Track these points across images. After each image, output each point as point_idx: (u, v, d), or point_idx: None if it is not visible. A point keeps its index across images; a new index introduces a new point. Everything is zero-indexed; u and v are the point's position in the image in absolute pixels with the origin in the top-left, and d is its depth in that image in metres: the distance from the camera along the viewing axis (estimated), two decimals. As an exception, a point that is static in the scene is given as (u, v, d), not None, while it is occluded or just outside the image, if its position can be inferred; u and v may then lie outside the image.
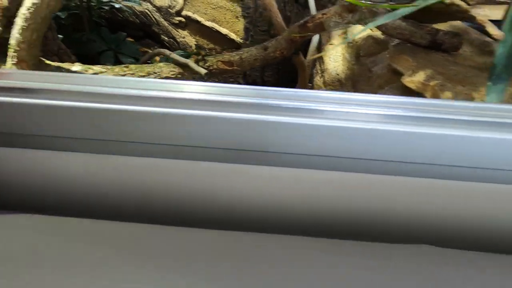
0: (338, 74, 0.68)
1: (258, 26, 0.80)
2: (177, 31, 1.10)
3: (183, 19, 1.10)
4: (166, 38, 1.09)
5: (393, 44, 0.49)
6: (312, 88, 0.74)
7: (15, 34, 0.41)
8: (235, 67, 0.51)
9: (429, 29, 0.44)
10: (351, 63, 0.64)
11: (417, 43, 0.44)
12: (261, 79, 0.86)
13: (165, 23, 1.07)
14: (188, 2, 1.09)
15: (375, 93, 0.49)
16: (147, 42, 1.11)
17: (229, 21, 1.12)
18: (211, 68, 0.50)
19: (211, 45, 1.17)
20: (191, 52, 0.85)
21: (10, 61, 0.44)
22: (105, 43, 0.77)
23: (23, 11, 0.39)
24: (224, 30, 1.12)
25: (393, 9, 0.38)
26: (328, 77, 0.70)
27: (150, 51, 1.00)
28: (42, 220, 0.17)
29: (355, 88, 0.59)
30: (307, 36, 0.51)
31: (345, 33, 0.76)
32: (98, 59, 0.76)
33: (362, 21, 0.49)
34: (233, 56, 0.51)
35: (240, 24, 1.13)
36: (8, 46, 0.43)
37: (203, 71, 0.48)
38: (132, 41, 0.98)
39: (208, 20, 1.11)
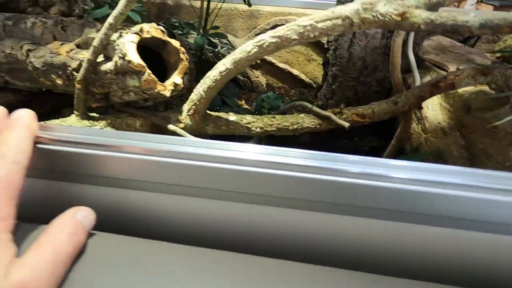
0: (439, 123, 0.72)
1: (348, 74, 0.86)
2: (252, 71, 1.18)
3: (259, 61, 1.19)
4: (241, 77, 1.17)
5: (519, 103, 0.53)
6: (411, 134, 0.78)
7: (200, 91, 0.47)
8: (367, 119, 0.56)
9: None
10: (455, 114, 0.68)
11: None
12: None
13: (243, 64, 1.16)
14: (266, 46, 1.18)
15: (505, 149, 0.53)
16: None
17: (301, 63, 1.20)
18: (346, 119, 0.55)
19: (280, 84, 1.25)
20: (304, 99, 0.91)
21: (185, 113, 0.50)
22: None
23: (214, 74, 0.45)
24: (295, 71, 1.20)
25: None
26: (428, 125, 0.74)
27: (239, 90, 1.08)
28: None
29: (469, 140, 0.62)
30: (436, 94, 0.56)
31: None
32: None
33: (493, 83, 0.54)
34: (366, 109, 0.56)
35: (311, 66, 1.20)
36: (189, 100, 0.50)
37: (346, 124, 0.53)
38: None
39: (281, 62, 1.20)
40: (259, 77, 1.20)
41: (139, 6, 0.78)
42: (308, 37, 0.40)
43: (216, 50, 0.93)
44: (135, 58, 0.41)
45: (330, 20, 0.38)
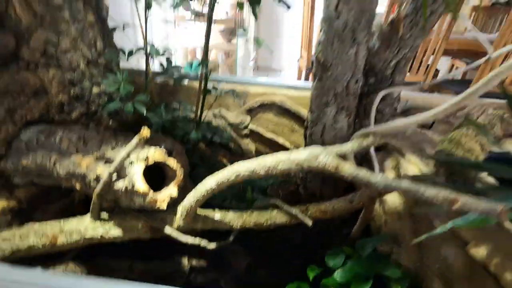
0: (396, 207, 0.84)
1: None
2: (242, 140, 1.33)
3: (248, 132, 1.34)
4: (232, 145, 1.32)
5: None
6: (374, 215, 0.90)
7: (191, 201, 0.59)
8: (328, 215, 0.68)
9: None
10: (407, 201, 0.81)
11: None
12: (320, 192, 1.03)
13: (234, 134, 1.31)
14: (254, 119, 1.34)
15: (440, 246, 0.64)
16: (216, 148, 1.33)
17: (286, 133, 1.36)
18: (311, 216, 0.67)
19: (268, 150, 1.39)
20: (275, 181, 1.03)
21: (179, 216, 0.63)
22: (206, 168, 0.98)
23: (202, 190, 0.58)
24: (281, 140, 1.35)
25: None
26: (387, 208, 0.87)
27: (224, 159, 1.22)
28: None
29: (414, 225, 0.74)
30: (384, 195, 0.69)
31: (396, 167, 0.95)
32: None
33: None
34: (328, 206, 0.68)
35: (294, 136, 1.35)
36: (182, 207, 0.62)
37: (309, 222, 0.65)
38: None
39: (268, 132, 1.35)
40: (249, 144, 1.35)
41: (144, 96, 0.94)
42: (271, 173, 0.53)
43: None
44: (142, 187, 0.54)
45: (287, 163, 0.52)
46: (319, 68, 0.86)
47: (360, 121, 1.03)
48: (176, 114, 0.99)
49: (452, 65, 2.31)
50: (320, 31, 0.82)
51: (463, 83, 2.16)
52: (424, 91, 2.01)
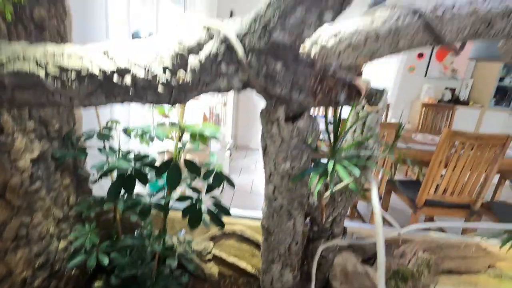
0: None
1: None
2: (205, 264, 1.39)
3: (211, 257, 1.42)
4: (196, 272, 1.37)
5: None
6: None
7: None
8: None
9: None
10: None
11: None
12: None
13: (197, 260, 1.38)
14: (217, 245, 1.43)
15: None
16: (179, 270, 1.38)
17: (247, 257, 1.44)
18: None
19: (231, 273, 1.45)
20: None
21: None
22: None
23: None
24: (242, 264, 1.42)
25: None
26: None
27: (185, 294, 1.26)
28: None
29: None
30: None
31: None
32: None
33: None
34: None
35: (255, 260, 1.44)
36: None
37: None
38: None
39: (230, 256, 1.43)
40: (212, 268, 1.41)
41: (107, 246, 1.01)
42: None
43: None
44: None
45: None
46: (265, 232, 0.99)
47: (308, 263, 1.14)
48: (138, 263, 1.07)
49: (408, 167, 2.58)
50: (264, 202, 0.98)
51: (415, 184, 2.39)
52: (380, 197, 2.19)
